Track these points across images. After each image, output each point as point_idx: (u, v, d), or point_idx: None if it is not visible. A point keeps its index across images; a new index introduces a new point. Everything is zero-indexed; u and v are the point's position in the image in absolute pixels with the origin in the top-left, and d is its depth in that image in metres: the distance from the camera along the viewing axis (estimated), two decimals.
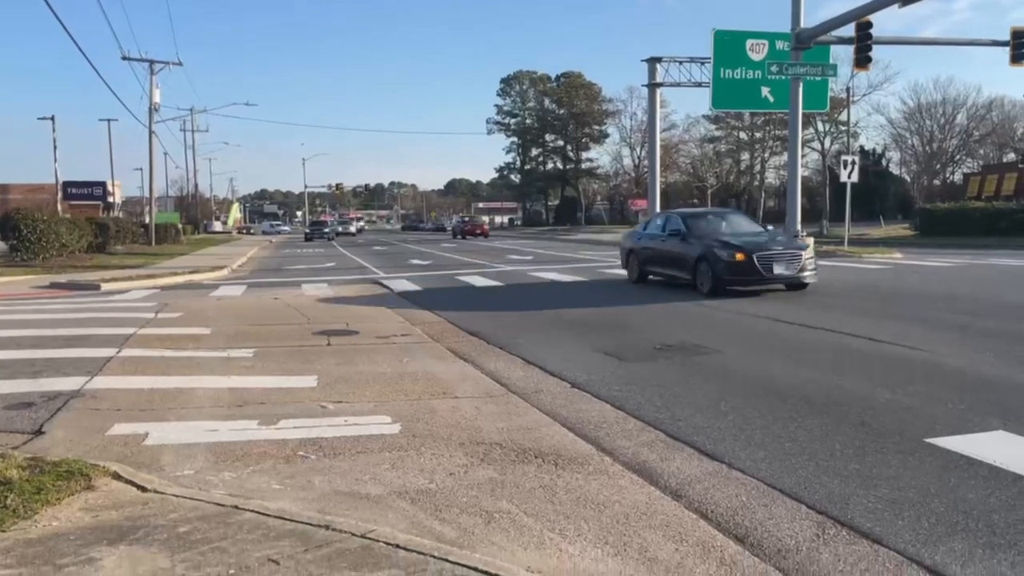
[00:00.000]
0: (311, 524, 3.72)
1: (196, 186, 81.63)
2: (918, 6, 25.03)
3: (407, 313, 12.86)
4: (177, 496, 4.13)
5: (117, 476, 4.39)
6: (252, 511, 3.89)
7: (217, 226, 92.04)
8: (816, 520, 3.89)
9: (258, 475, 4.69)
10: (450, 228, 70.71)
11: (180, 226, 55.50)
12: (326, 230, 63.02)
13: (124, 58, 37.80)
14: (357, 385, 7.12)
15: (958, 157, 73.92)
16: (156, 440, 5.39)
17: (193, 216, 76.85)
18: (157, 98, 40.26)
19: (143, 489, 4.22)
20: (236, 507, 3.96)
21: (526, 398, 6.62)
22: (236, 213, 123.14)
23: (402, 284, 18.09)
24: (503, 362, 8.35)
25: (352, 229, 76.95)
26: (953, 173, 73.64)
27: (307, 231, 63.47)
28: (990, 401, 5.99)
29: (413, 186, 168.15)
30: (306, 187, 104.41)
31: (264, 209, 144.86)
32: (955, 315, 10.84)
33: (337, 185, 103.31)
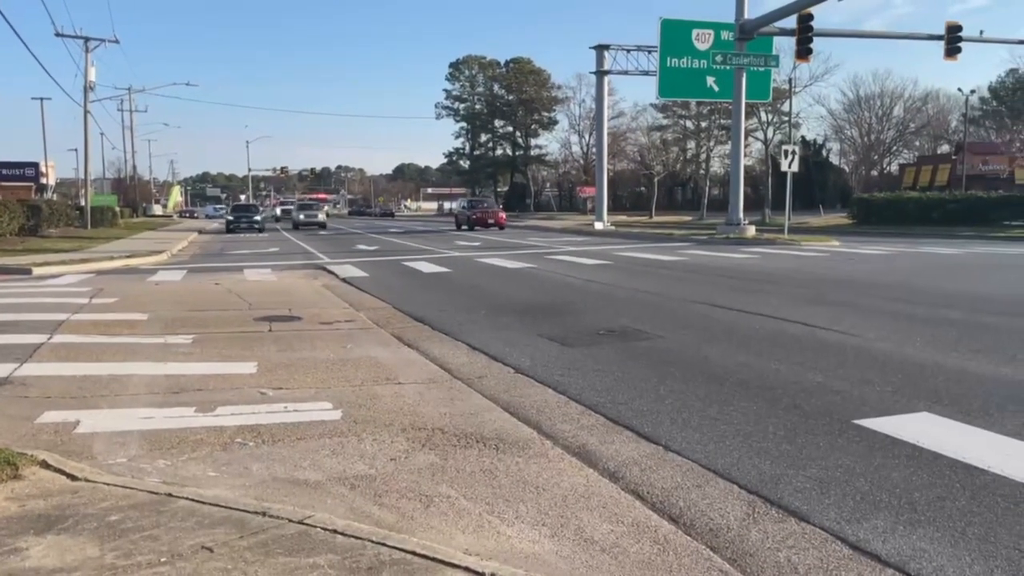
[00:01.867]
0: (247, 511, 3.68)
1: (134, 168, 79.35)
2: (859, 0, 25.79)
3: (352, 298, 12.74)
4: (108, 484, 4.04)
5: (46, 465, 4.27)
6: (186, 498, 3.83)
7: (157, 209, 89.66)
8: (747, 500, 4.00)
9: (194, 462, 4.61)
10: (454, 215, 52.19)
11: (117, 209, 53.86)
12: (256, 219, 44.86)
13: (57, 34, 36.40)
14: (298, 371, 7.04)
15: (895, 148, 76.16)
16: (88, 428, 5.26)
17: (131, 199, 74.69)
18: (92, 76, 38.90)
19: (73, 478, 4.12)
20: (170, 495, 3.89)
21: (470, 383, 6.64)
22: (177, 196, 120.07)
23: (348, 270, 17.91)
24: (448, 348, 8.35)
25: (319, 218, 50.01)
26: (890, 164, 75.86)
27: (229, 219, 45.81)
28: (916, 384, 6.22)
29: (361, 170, 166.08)
30: (250, 170, 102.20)
31: (207, 192, 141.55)
32: (887, 301, 11.21)
33: (282, 168, 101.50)
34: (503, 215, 45.44)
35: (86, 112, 39.34)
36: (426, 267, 18.48)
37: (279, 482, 4.29)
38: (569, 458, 4.71)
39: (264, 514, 3.64)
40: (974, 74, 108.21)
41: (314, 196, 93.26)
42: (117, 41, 39.30)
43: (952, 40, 25.70)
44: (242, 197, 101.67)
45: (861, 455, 4.60)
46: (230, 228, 44.07)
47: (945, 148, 71.49)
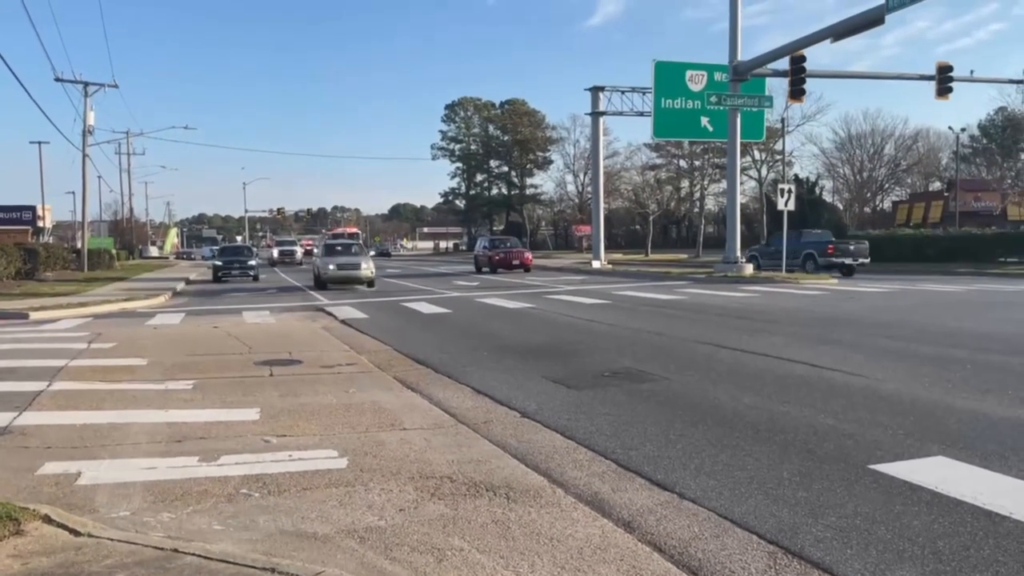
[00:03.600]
0: (256, 567, 3.58)
1: (131, 210, 79.58)
2: (849, 41, 26.25)
3: (352, 341, 12.66)
4: (113, 540, 3.94)
5: (48, 519, 4.17)
6: (193, 554, 3.73)
7: (153, 251, 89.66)
8: (768, 551, 3.91)
9: (199, 515, 4.51)
10: (474, 256, 43.92)
11: (114, 251, 53.90)
12: (251, 263, 34.52)
13: (57, 79, 36.78)
14: (301, 417, 6.94)
15: (887, 186, 76.88)
16: (90, 479, 5.15)
17: (128, 241, 74.78)
18: (91, 120, 39.20)
19: (76, 533, 4.01)
20: (176, 550, 3.79)
21: (476, 429, 6.55)
22: (173, 238, 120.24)
23: (347, 311, 17.84)
24: (452, 391, 8.27)
25: (298, 255, 55.89)
26: (883, 201, 76.52)
27: (217, 264, 35.21)
28: (928, 427, 6.15)
29: (357, 210, 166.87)
30: (246, 211, 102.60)
31: (203, 234, 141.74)
32: (891, 340, 11.17)
33: (279, 209, 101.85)
34: (529, 255, 39.84)
35: (85, 156, 39.57)
36: (426, 308, 18.43)
37: (287, 535, 4.19)
38: (582, 507, 4.62)
39: (273, 571, 3.54)
40: (963, 112, 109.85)
41: (308, 242, 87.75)
42: (116, 86, 39.72)
43: (943, 80, 26.07)
44: (238, 238, 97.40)
45: (879, 502, 4.52)
46: (218, 276, 33.91)
47: (937, 185, 72.18)
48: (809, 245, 31.71)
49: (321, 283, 26.34)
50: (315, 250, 32.03)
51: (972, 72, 28.41)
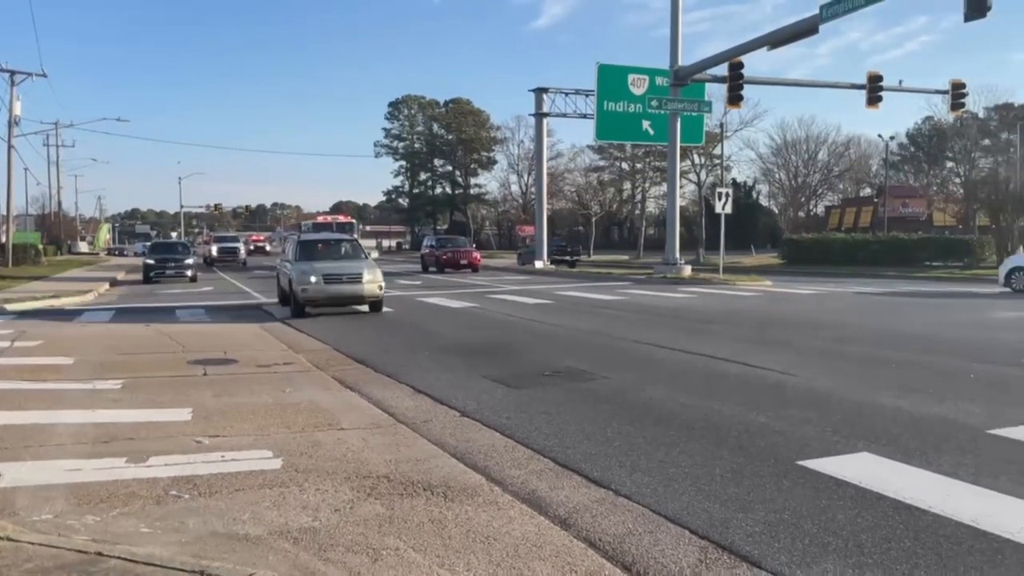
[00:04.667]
0: (184, 570, 3.49)
1: (60, 204, 76.77)
2: (786, 50, 26.93)
3: (289, 340, 12.46)
4: (33, 544, 3.79)
5: None
6: (118, 558, 3.62)
7: (83, 247, 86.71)
8: (699, 545, 3.99)
9: (125, 518, 4.38)
10: (420, 255, 42.89)
11: (40, 246, 51.87)
12: (187, 262, 30.71)
13: None
14: (235, 418, 6.80)
15: (820, 191, 79.09)
16: (10, 482, 4.95)
17: (56, 236, 72.09)
18: (18, 111, 37.65)
19: None
20: (100, 554, 3.67)
21: (415, 428, 6.51)
22: (105, 233, 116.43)
23: (285, 310, 17.54)
24: (391, 391, 8.20)
25: (241, 253, 49.47)
26: (816, 206, 78.70)
27: (148, 263, 30.61)
28: (855, 424, 6.36)
29: (297, 207, 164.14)
30: (182, 207, 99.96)
31: (136, 229, 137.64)
32: (821, 341, 11.51)
33: (216, 205, 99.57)
34: (478, 255, 39.39)
35: (10, 147, 37.99)
36: (366, 307, 18.22)
37: (217, 537, 4.09)
38: (519, 505, 4.63)
39: (202, 573, 3.46)
40: (893, 121, 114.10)
41: (257, 237, 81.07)
42: (44, 75, 38.18)
43: (873, 89, 26.97)
44: (173, 235, 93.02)
45: (807, 497, 4.65)
46: (150, 276, 29.68)
47: (868, 191, 74.62)
48: (553, 245, 48.00)
49: (298, 305, 15.68)
50: (285, 253, 19.73)
51: (901, 82, 29.45)
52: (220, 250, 49.42)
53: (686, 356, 10.17)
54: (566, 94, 37.61)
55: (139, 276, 30.66)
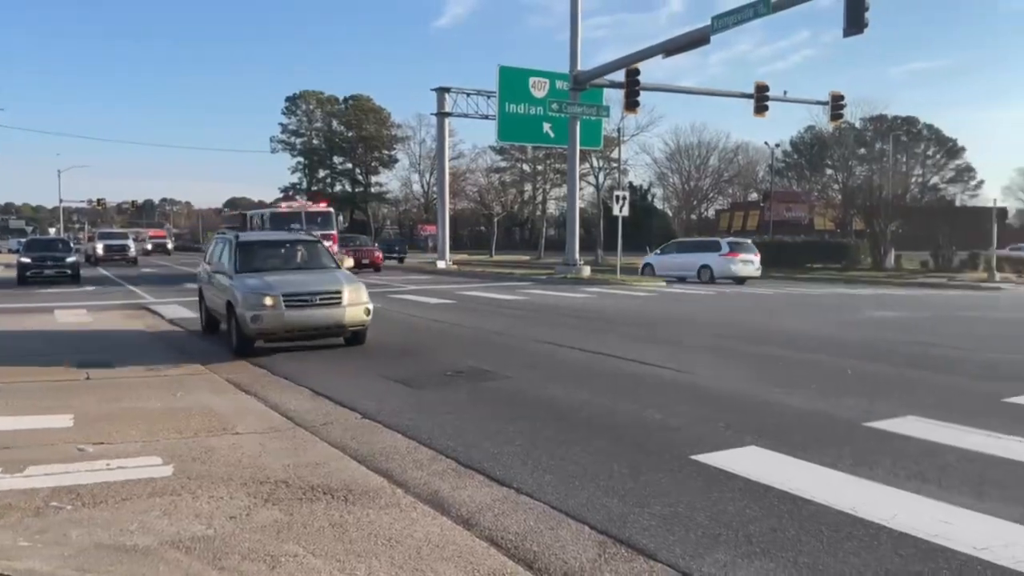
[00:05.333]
0: None
1: None
2: (680, 58, 27.84)
3: (180, 342, 11.97)
4: None
5: None
6: None
7: None
8: (598, 540, 4.09)
9: (1, 531, 4.11)
10: None
11: None
12: (68, 260, 27.66)
13: None
14: (122, 423, 6.48)
15: (711, 195, 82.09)
16: None
17: None
18: None
19: None
20: None
21: (314, 431, 6.38)
22: None
23: (175, 310, 16.83)
24: (289, 393, 8.01)
25: (131, 251, 44.89)
26: (708, 209, 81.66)
27: (24, 261, 27.37)
28: (744, 419, 6.65)
29: (187, 203, 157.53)
30: (61, 201, 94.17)
31: (10, 225, 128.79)
32: (715, 339, 11.98)
33: (99, 200, 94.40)
34: (380, 254, 38.85)
35: None
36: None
37: (103, 549, 3.90)
38: (422, 506, 4.62)
39: None
40: (779, 129, 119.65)
41: (157, 233, 74.94)
42: None
43: (760, 99, 28.25)
44: (51, 230, 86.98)
45: (700, 490, 4.84)
46: (26, 276, 26.66)
47: (755, 196, 78.03)
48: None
49: (244, 339, 10.53)
50: (214, 257, 13.07)
51: (785, 93, 30.93)
52: (107, 248, 44.88)
53: (586, 355, 10.38)
54: (468, 95, 37.68)
55: (13, 275, 28.48)
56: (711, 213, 79.96)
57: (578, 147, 31.10)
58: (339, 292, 10.76)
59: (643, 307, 18.25)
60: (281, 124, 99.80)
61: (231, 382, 8.58)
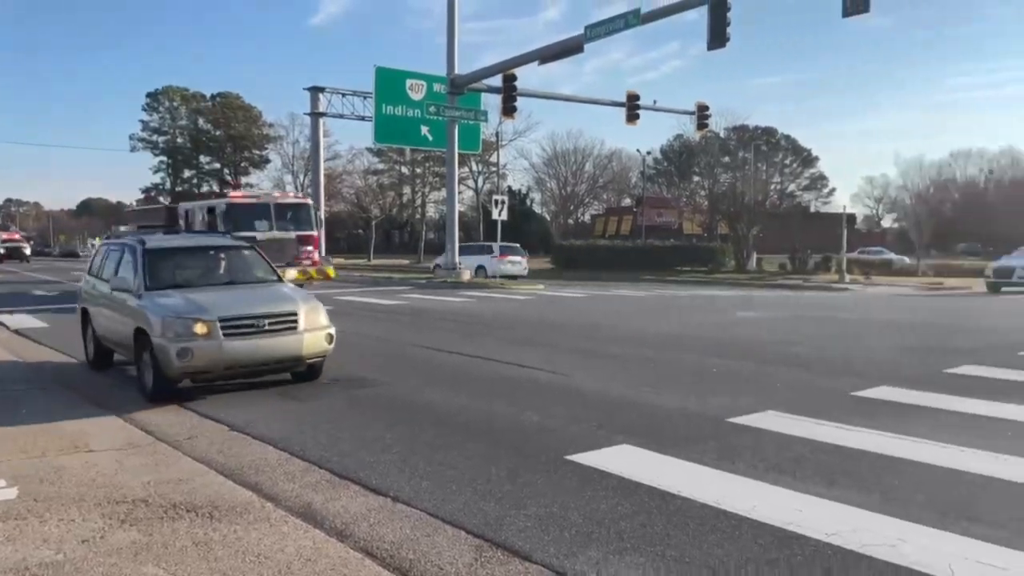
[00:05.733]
0: None
1: None
2: (558, 66, 28.43)
3: (28, 353, 11.11)
4: None
5: None
6: None
7: None
8: (475, 544, 4.09)
9: None
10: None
11: None
12: None
13: None
14: None
15: (587, 200, 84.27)
16: None
17: None
18: None
19: None
20: None
21: (177, 446, 6.07)
22: None
23: (21, 319, 15.60)
24: (150, 406, 7.58)
25: None
26: (584, 214, 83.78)
27: None
28: (616, 418, 6.84)
29: (36, 204, 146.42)
30: None
31: None
32: (588, 341, 12.27)
33: None
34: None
35: None
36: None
37: None
38: (293, 520, 4.47)
39: None
40: (650, 137, 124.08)
41: (12, 236, 67.95)
42: None
43: (632, 107, 29.25)
44: None
45: (574, 490, 4.93)
46: None
47: (628, 201, 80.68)
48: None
49: (164, 380, 7.79)
50: (104, 266, 10.09)
51: (655, 102, 32.14)
52: None
53: (465, 359, 10.38)
54: (343, 95, 36.93)
55: None
56: (587, 217, 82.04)
57: (456, 151, 31.16)
58: (294, 314, 8.30)
59: (522, 311, 18.46)
60: (142, 121, 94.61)
61: (85, 396, 8.03)
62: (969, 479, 5.03)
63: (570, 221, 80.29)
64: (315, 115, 36.92)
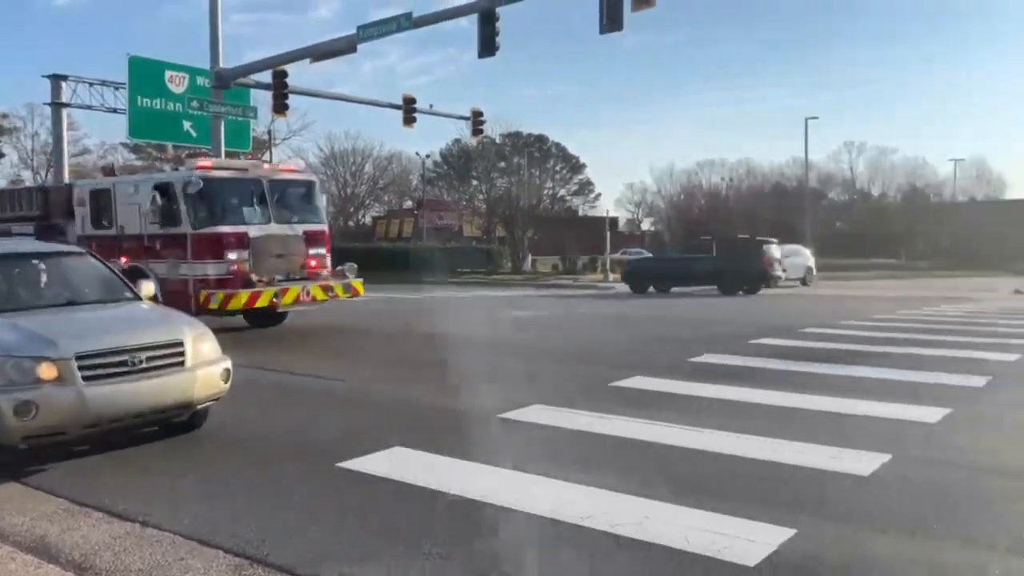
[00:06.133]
0: None
1: None
2: (333, 65, 27.64)
3: None
4: None
5: None
6: None
7: None
8: (234, 564, 3.88)
9: None
10: None
11: None
12: None
13: None
14: None
15: (368, 202, 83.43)
16: None
17: None
18: None
19: None
20: None
21: None
22: None
23: None
24: None
25: None
26: (364, 216, 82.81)
27: None
28: (391, 421, 6.83)
29: None
30: None
31: None
32: (370, 345, 12.14)
33: None
34: None
35: None
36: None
37: None
38: (22, 555, 3.99)
39: None
40: (430, 140, 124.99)
41: None
42: None
43: (409, 110, 29.29)
44: None
45: (344, 497, 4.85)
46: None
47: (409, 203, 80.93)
48: None
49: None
50: None
51: (431, 106, 32.38)
52: None
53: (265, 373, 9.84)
54: (91, 84, 33.49)
55: None
56: (368, 220, 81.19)
57: (223, 148, 29.42)
58: (179, 343, 6.15)
59: (301, 316, 17.86)
60: None
61: None
62: (709, 457, 5.60)
63: (351, 223, 79.01)
64: (57, 105, 33.26)
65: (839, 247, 52.44)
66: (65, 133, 34.89)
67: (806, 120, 47.78)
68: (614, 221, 57.58)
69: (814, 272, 33.01)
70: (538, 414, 6.97)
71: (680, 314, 17.92)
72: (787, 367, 9.48)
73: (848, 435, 6.16)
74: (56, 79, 32.92)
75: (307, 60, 25.86)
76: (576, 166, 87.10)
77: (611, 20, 15.87)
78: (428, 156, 71.21)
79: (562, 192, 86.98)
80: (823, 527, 4.27)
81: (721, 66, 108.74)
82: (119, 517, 4.56)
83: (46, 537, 4.27)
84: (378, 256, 44.29)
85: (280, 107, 25.91)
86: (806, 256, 33.16)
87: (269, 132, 46.02)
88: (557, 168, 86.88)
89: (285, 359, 10.43)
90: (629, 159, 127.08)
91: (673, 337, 12.80)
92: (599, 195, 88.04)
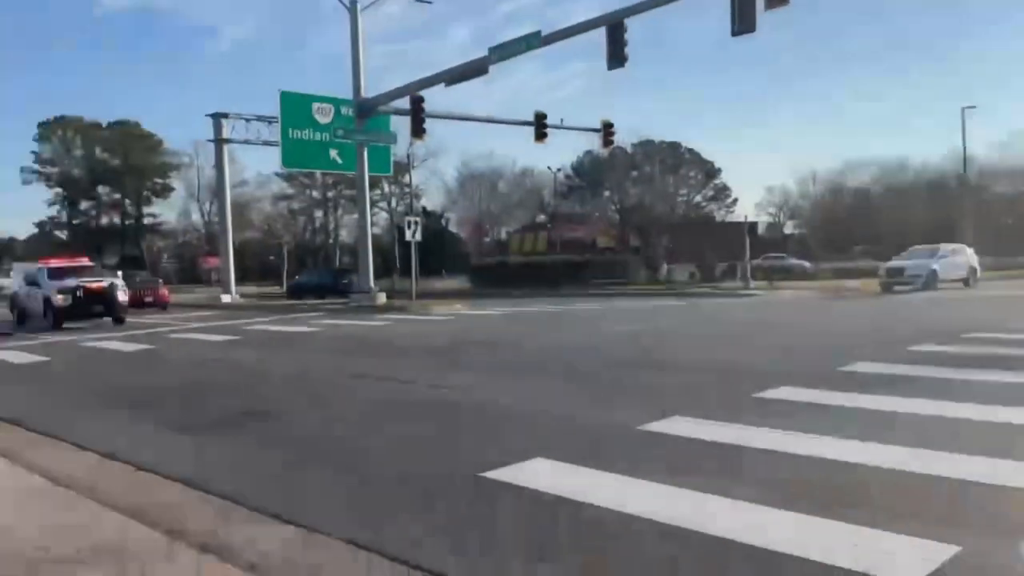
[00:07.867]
0: None
1: None
2: (468, 87, 28.56)
3: None
4: None
5: None
6: None
7: None
8: (400, 570, 4.10)
9: None
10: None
11: None
12: None
13: None
14: None
15: (502, 218, 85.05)
16: None
17: None
18: None
19: None
20: None
21: (78, 490, 5.84)
22: None
23: None
24: (47, 449, 7.25)
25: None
26: (499, 232, 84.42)
27: None
28: (530, 433, 6.97)
29: None
30: None
31: None
32: (506, 357, 12.39)
33: None
34: (166, 291, 35.87)
35: None
36: (16, 356, 15.89)
37: None
38: (204, 557, 4.38)
39: None
40: (561, 154, 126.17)
41: None
42: None
43: (540, 126, 29.79)
44: None
45: (489, 506, 5.01)
46: None
47: (542, 218, 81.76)
48: None
49: None
50: None
51: (563, 120, 32.77)
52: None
53: (380, 384, 10.34)
54: (247, 120, 36.32)
55: None
56: (503, 235, 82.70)
57: (367, 173, 30.99)
58: None
59: (439, 331, 18.47)
60: (34, 153, 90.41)
61: None
62: (862, 469, 5.36)
63: (486, 239, 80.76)
64: (219, 142, 36.17)
65: (1006, 245, 48.36)
66: (227, 166, 37.72)
67: (962, 110, 44.62)
68: (753, 226, 55.71)
69: (978, 272, 30.66)
70: (679, 426, 6.89)
71: (831, 321, 17.11)
72: (948, 375, 8.89)
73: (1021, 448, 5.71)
74: (217, 117, 35.74)
75: (442, 84, 26.77)
76: (711, 171, 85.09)
77: (743, 21, 15.53)
78: (559, 170, 71.71)
79: (697, 198, 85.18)
80: (992, 544, 4.00)
81: (862, 60, 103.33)
82: (286, 521, 4.92)
83: (224, 541, 4.66)
84: (510, 271, 44.99)
85: (418, 131, 26.95)
86: (969, 255, 30.87)
87: (408, 155, 47.86)
88: (691, 174, 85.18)
89: (402, 371, 10.84)
90: (768, 162, 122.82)
91: (821, 346, 12.25)
92: (736, 200, 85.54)
